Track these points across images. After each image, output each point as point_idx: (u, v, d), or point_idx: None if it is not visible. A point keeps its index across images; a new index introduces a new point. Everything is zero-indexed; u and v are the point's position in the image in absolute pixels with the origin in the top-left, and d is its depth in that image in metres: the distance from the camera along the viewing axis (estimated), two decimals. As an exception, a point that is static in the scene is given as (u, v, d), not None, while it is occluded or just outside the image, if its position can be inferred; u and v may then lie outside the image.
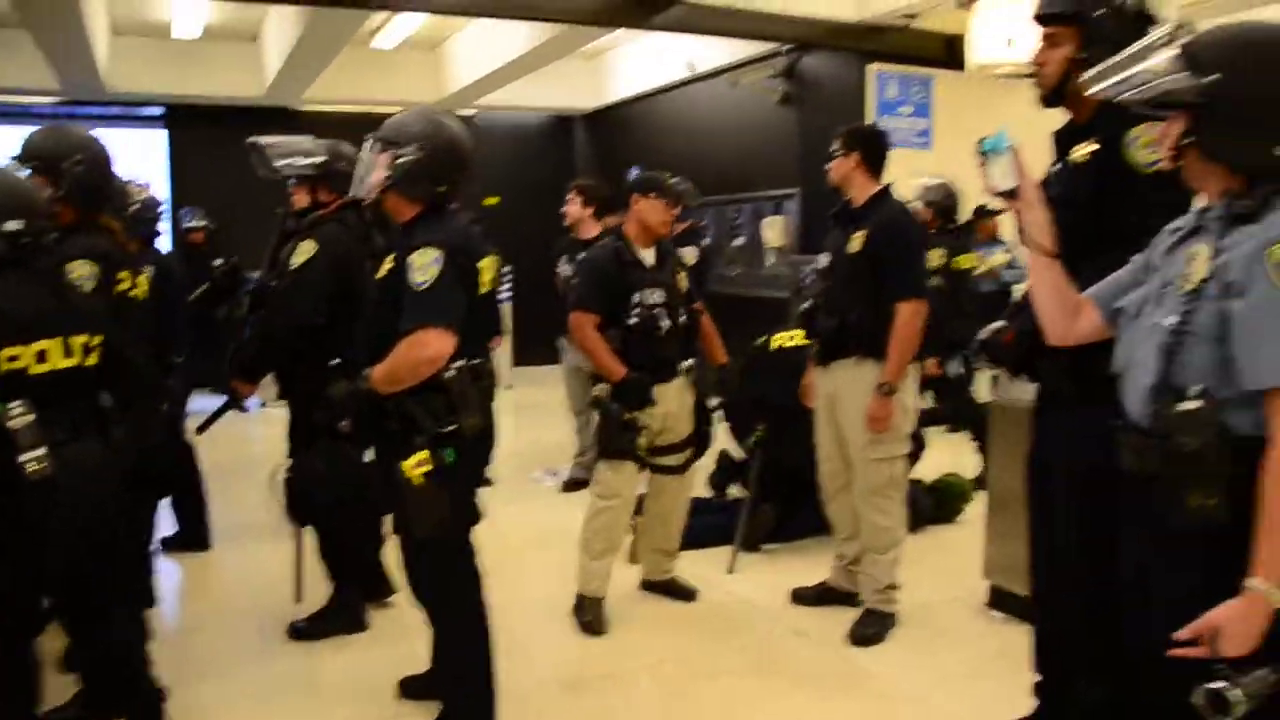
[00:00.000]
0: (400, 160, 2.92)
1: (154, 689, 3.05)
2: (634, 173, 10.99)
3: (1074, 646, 2.66)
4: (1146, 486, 1.90)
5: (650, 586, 4.48)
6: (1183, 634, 1.78)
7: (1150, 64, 1.84)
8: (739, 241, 9.60)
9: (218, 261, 5.41)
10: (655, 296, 4.13)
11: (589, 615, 4.14)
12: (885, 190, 3.96)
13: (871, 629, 3.93)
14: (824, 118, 8.17)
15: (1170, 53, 1.82)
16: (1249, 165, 1.82)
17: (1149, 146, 2.39)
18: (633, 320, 4.07)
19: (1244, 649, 1.72)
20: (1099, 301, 2.17)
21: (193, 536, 5.11)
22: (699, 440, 4.35)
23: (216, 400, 4.05)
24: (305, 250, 3.75)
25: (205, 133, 11.04)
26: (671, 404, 4.17)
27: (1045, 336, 2.31)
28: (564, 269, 6.15)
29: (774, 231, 8.92)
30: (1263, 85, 1.78)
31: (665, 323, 4.12)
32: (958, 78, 8.31)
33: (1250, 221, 1.78)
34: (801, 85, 8.65)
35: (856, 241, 3.86)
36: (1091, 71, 1.94)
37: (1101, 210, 2.51)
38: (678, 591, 4.44)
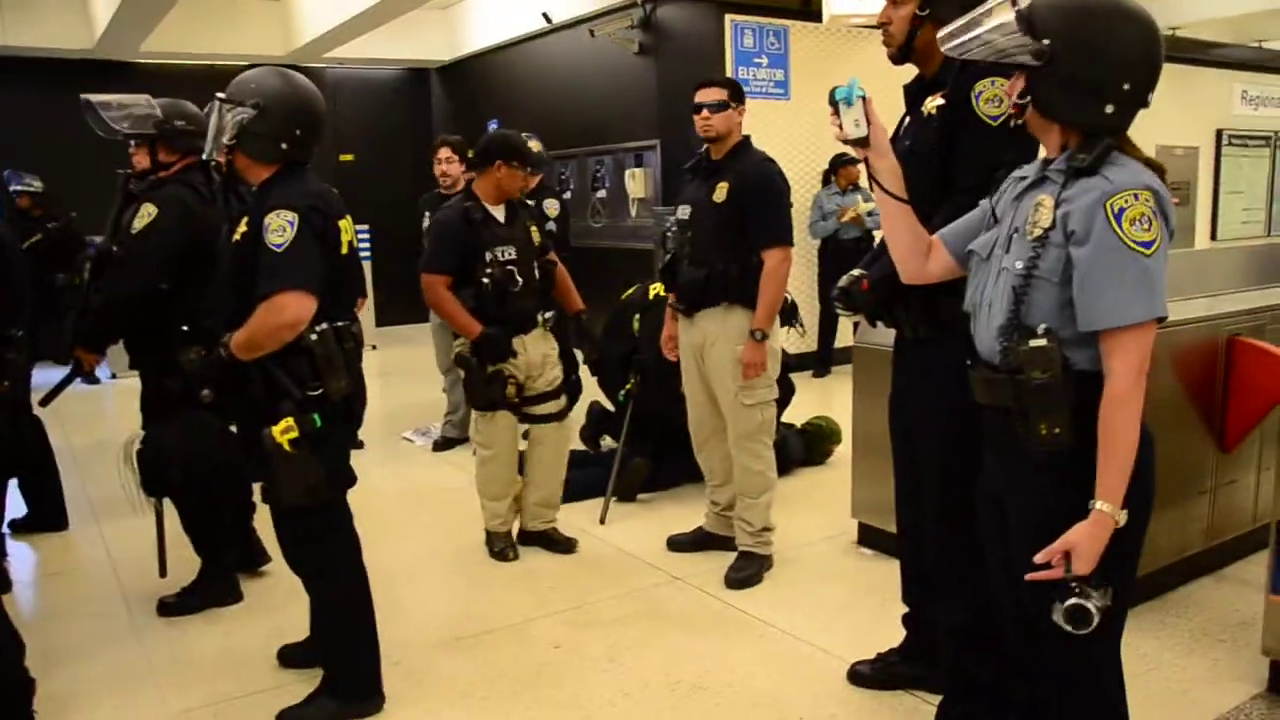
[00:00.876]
0: (237, 119, 2.84)
1: (24, 680, 2.93)
2: (493, 126, 10.87)
3: (937, 574, 2.80)
4: (999, 418, 2.06)
5: (529, 538, 4.51)
6: (1041, 557, 1.93)
7: (992, 24, 1.93)
8: (601, 194, 9.59)
9: (52, 225, 5.14)
10: (507, 253, 4.17)
11: (499, 546, 4.41)
12: (746, 140, 4.01)
13: (747, 571, 4.04)
14: (682, 69, 8.21)
15: (1008, 15, 1.92)
16: (1082, 123, 1.96)
17: (992, 100, 2.51)
18: (485, 279, 4.10)
19: (1091, 566, 1.89)
20: (949, 243, 2.30)
21: (47, 516, 4.87)
22: (570, 388, 4.42)
23: (60, 373, 3.85)
24: (145, 214, 3.60)
25: (30, 88, 10.36)
26: (534, 353, 4.24)
27: (900, 276, 2.41)
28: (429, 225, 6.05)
29: (636, 183, 8.95)
30: (1092, 50, 1.90)
31: (519, 278, 4.16)
32: (814, 28, 8.45)
33: (1089, 174, 1.92)
34: (659, 36, 8.65)
35: (721, 191, 3.90)
36: (944, 31, 2.01)
37: (950, 160, 2.61)
38: (557, 543, 4.48)
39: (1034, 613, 2.00)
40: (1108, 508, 1.88)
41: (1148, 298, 1.86)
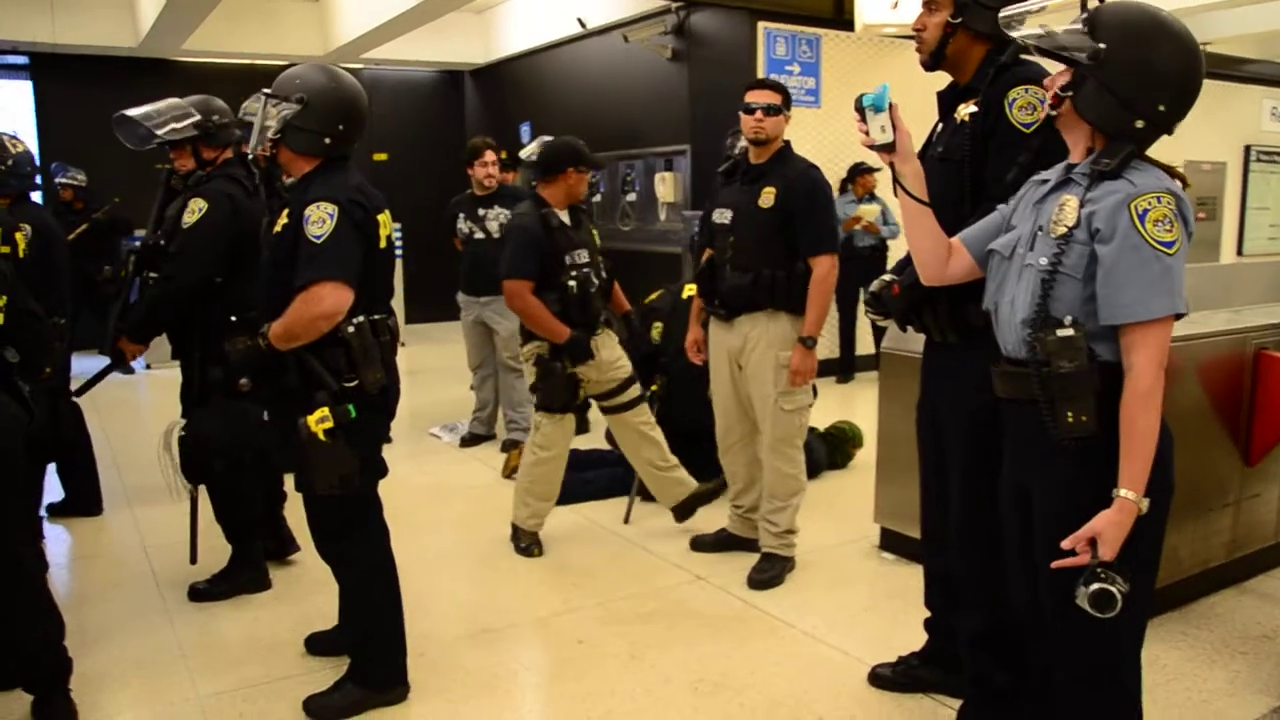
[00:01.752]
0: (283, 113, 2.89)
1: (64, 659, 3.01)
2: (526, 129, 10.93)
3: (959, 579, 2.82)
4: (1021, 411, 2.14)
5: (683, 511, 4.60)
6: (1068, 543, 2.00)
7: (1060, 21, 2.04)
8: (631, 197, 9.64)
9: (98, 214, 5.21)
10: (582, 256, 4.30)
11: (525, 542, 4.48)
12: (787, 146, 4.04)
13: (770, 573, 4.07)
14: (714, 75, 8.26)
15: (1076, 11, 2.03)
16: (1111, 129, 2.03)
17: (1025, 107, 2.54)
18: (572, 282, 4.21)
19: (1115, 552, 1.96)
20: (970, 245, 2.36)
21: (82, 501, 4.97)
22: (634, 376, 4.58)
23: (97, 362, 3.92)
24: (195, 209, 3.68)
25: (75, 84, 10.54)
26: (605, 352, 4.37)
27: (920, 278, 2.46)
28: (463, 226, 6.15)
29: (666, 187, 9.00)
30: (1136, 65, 2.00)
31: (595, 280, 4.31)
32: (846, 37, 8.47)
33: (1112, 178, 2.01)
34: (692, 42, 8.70)
35: (769, 197, 3.91)
36: (1008, 12, 2.12)
37: (983, 165, 2.64)
38: (707, 494, 4.62)
39: (1059, 600, 2.05)
40: (1132, 495, 1.95)
41: (1168, 295, 1.94)
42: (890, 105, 2.25)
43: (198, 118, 3.84)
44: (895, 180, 2.35)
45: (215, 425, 3.64)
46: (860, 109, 2.27)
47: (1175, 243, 1.95)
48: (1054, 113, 2.09)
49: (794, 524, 4.14)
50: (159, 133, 3.80)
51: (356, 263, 2.84)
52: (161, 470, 3.68)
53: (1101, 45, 1.97)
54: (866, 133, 2.28)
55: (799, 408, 4.04)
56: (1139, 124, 2.01)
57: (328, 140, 2.92)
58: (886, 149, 2.29)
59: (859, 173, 8.19)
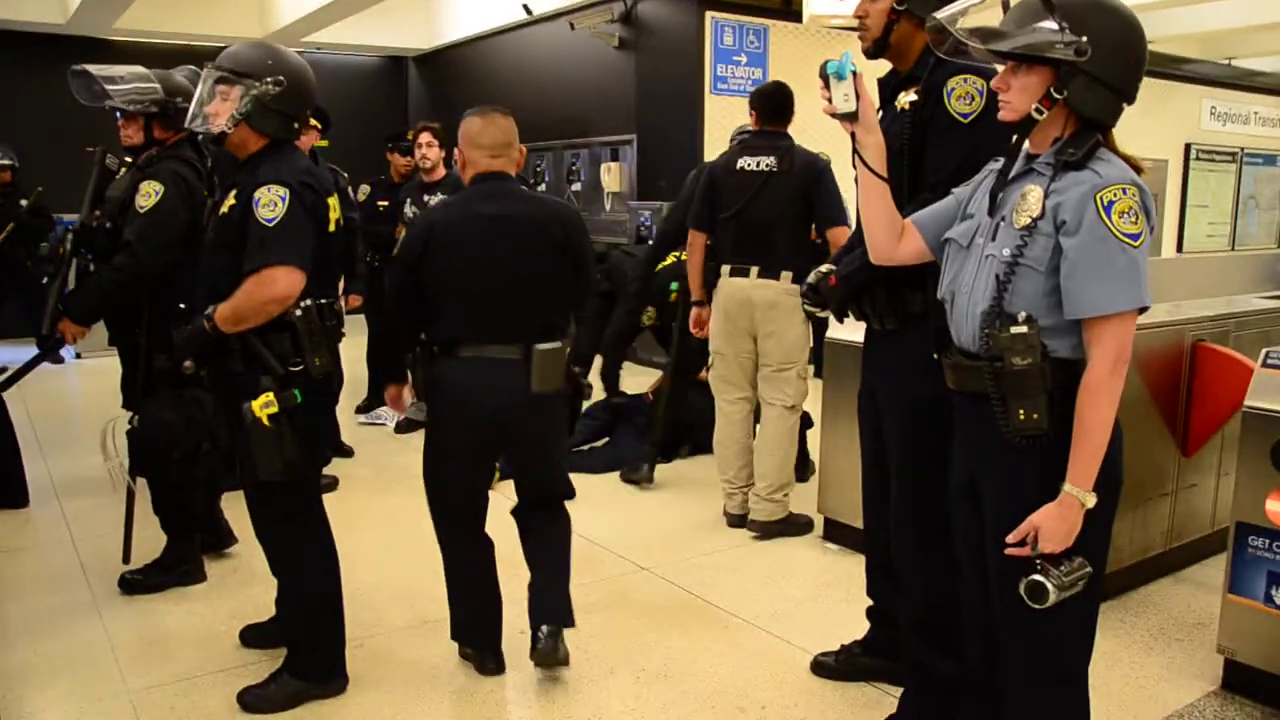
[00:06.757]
0: (255, 93, 2.82)
1: None
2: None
3: (900, 568, 2.82)
4: (972, 405, 2.11)
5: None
6: (1013, 537, 2.00)
7: (1031, 26, 1.95)
8: (576, 187, 9.58)
9: (24, 202, 5.03)
10: None
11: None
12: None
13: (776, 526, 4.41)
14: (661, 65, 8.22)
15: (1045, 18, 1.93)
16: (1110, 120, 1.99)
17: (964, 97, 2.53)
18: None
19: (1061, 545, 1.96)
20: (924, 228, 2.31)
21: (6, 493, 4.80)
22: None
23: (24, 351, 3.78)
24: (150, 192, 3.53)
25: (1, 61, 10.21)
26: None
27: (870, 256, 2.42)
28: (408, 211, 6.11)
29: (612, 177, 8.95)
30: (1119, 47, 1.95)
31: None
32: (793, 28, 8.49)
33: (1077, 168, 1.96)
34: (639, 31, 8.65)
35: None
36: (973, 40, 2.01)
37: (921, 154, 2.63)
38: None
39: (1007, 593, 2.05)
40: (1075, 491, 1.94)
41: (1133, 288, 1.91)
42: (854, 73, 2.19)
43: (161, 95, 3.70)
44: (855, 151, 2.30)
45: (170, 414, 3.54)
46: (824, 76, 2.22)
47: (1140, 235, 1.91)
48: (1039, 116, 1.99)
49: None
50: (117, 99, 3.66)
51: (309, 247, 2.79)
52: (108, 467, 3.55)
53: (1084, 38, 1.90)
54: (830, 100, 2.23)
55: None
56: (1125, 106, 1.99)
57: (296, 124, 2.91)
58: (849, 117, 2.23)
59: None
